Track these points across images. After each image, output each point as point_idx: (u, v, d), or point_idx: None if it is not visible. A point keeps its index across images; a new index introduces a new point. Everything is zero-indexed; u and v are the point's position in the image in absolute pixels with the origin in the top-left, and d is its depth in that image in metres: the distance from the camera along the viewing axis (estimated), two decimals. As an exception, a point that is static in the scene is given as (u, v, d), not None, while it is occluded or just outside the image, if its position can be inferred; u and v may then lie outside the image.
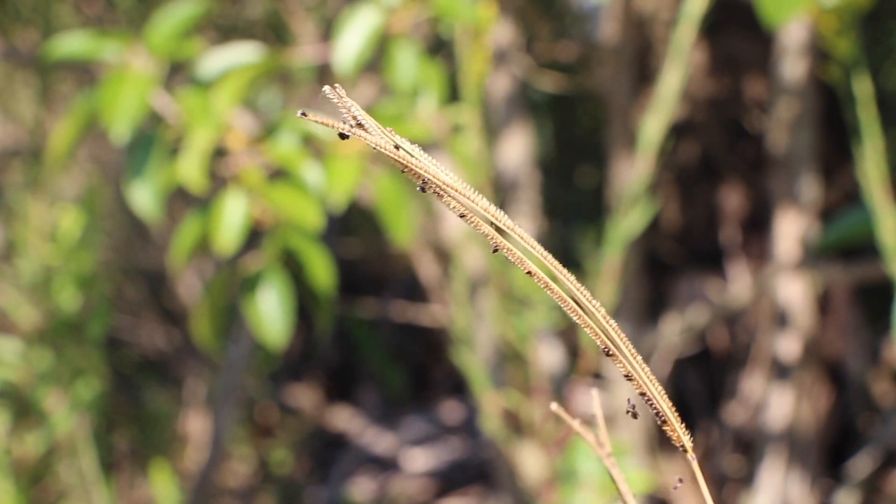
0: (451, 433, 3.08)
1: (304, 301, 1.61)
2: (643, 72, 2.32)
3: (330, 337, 3.19)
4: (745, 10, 1.97)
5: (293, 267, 1.50)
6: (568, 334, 2.05)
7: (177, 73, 1.62)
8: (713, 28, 2.29)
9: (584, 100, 2.85)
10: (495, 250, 0.56)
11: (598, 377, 2.15)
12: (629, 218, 1.54)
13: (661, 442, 2.37)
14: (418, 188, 0.56)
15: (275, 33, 2.53)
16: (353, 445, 3.09)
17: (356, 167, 1.45)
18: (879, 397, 2.38)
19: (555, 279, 0.57)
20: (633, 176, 1.56)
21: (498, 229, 0.56)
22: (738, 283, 2.41)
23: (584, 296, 0.57)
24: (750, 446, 2.35)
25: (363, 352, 3.19)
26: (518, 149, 2.04)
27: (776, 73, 2.12)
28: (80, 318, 2.04)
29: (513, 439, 1.82)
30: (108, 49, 1.47)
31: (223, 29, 2.53)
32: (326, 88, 0.55)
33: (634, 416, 0.60)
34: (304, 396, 3.19)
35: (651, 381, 0.58)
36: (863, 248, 2.02)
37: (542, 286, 0.57)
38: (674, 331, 2.20)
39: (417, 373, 3.27)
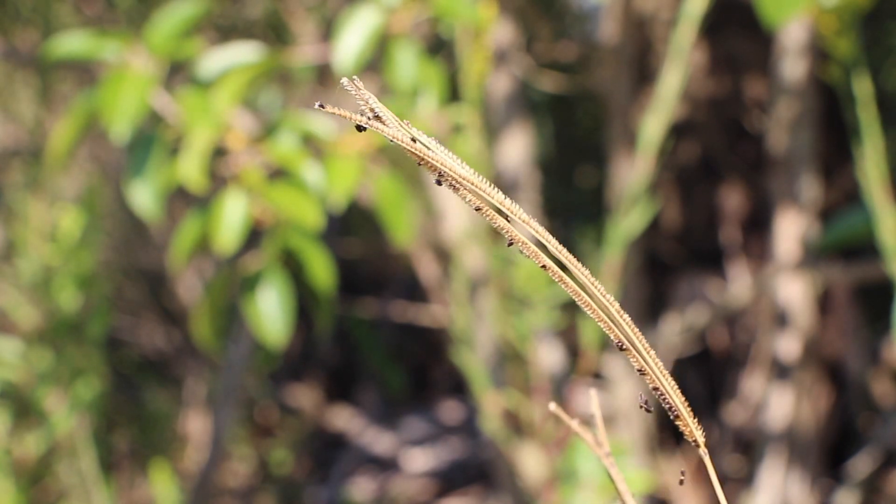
0: (451, 433, 3.08)
1: (304, 301, 1.61)
2: (643, 72, 2.32)
3: (330, 337, 3.19)
4: (745, 10, 1.97)
5: (293, 267, 1.50)
6: (568, 334, 2.05)
7: (177, 73, 1.62)
8: (713, 28, 2.30)
9: (584, 100, 2.85)
10: (510, 244, 0.56)
11: (598, 377, 2.15)
12: (629, 218, 1.54)
13: (661, 442, 2.37)
14: (435, 181, 0.56)
15: (275, 33, 2.53)
16: (353, 445, 3.09)
17: (356, 167, 1.45)
18: (879, 397, 2.38)
19: (569, 273, 0.57)
20: (633, 176, 1.56)
21: (512, 223, 0.56)
22: (738, 283, 2.41)
23: (599, 290, 0.57)
24: (750, 446, 2.35)
25: (363, 352, 3.19)
26: (518, 149, 2.04)
27: (776, 73, 2.12)
28: (80, 318, 2.04)
29: (513, 439, 1.82)
30: (108, 49, 1.47)
31: (223, 29, 2.53)
32: (344, 80, 0.54)
33: (648, 410, 0.60)
34: (304, 396, 3.19)
35: (664, 375, 0.58)
36: (863, 248, 2.02)
37: (556, 280, 0.57)
38: (674, 331, 2.20)
39: (417, 373, 3.27)
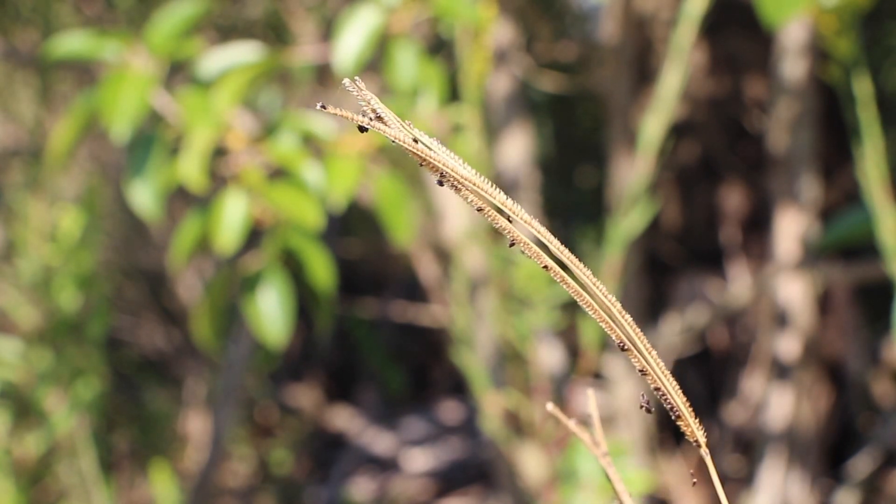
0: (451, 433, 3.08)
1: (304, 301, 1.61)
2: (643, 72, 2.32)
3: (330, 337, 3.19)
4: (745, 10, 1.97)
5: (293, 267, 1.50)
6: (568, 334, 2.05)
7: (177, 72, 1.62)
8: (713, 28, 2.29)
9: (584, 100, 2.85)
10: (512, 244, 0.56)
11: (598, 377, 2.15)
12: (629, 218, 1.54)
13: (661, 442, 2.37)
14: (437, 181, 0.56)
15: (275, 33, 2.53)
16: (352, 445, 3.09)
17: (356, 167, 1.45)
18: (879, 397, 2.38)
19: (571, 274, 0.57)
20: (633, 176, 1.56)
21: (514, 224, 0.56)
22: (738, 283, 2.41)
23: (601, 290, 0.57)
24: (750, 446, 2.35)
25: (363, 352, 3.19)
26: (518, 149, 2.04)
27: (776, 73, 2.12)
28: (80, 318, 2.04)
29: (513, 439, 1.82)
30: (108, 49, 1.47)
31: (223, 29, 2.53)
32: (346, 81, 0.54)
33: (648, 410, 0.60)
34: (304, 396, 3.19)
35: (666, 375, 0.58)
36: (863, 248, 2.02)
37: (558, 280, 0.57)
38: (674, 331, 2.20)
39: (417, 373, 3.28)
